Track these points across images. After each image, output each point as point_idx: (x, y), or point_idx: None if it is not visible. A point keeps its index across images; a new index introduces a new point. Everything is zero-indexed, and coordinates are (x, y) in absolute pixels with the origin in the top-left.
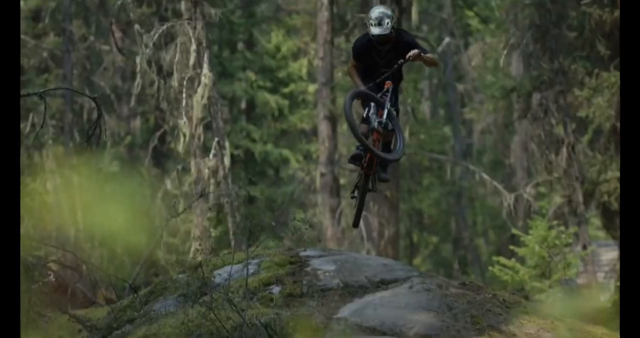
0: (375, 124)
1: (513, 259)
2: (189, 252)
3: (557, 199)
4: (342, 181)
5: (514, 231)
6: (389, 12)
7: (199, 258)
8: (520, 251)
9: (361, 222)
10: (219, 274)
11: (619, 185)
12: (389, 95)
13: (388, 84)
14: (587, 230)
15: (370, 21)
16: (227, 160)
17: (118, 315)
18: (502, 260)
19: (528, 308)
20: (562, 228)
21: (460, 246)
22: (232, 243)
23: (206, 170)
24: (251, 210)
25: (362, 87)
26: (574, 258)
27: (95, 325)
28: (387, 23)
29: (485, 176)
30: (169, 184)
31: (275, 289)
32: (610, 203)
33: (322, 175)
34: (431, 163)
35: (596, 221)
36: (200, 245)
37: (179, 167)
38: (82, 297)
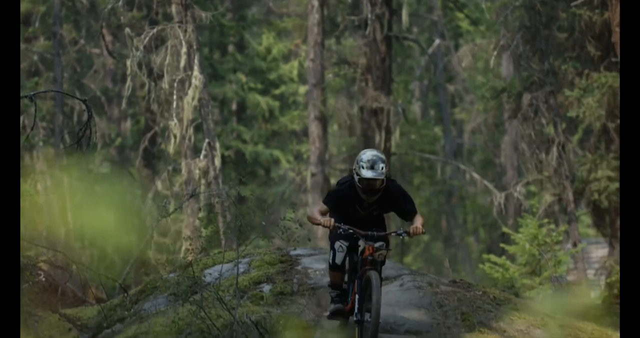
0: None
1: (503, 257)
2: (180, 251)
3: (548, 198)
4: (332, 181)
5: (505, 229)
6: (382, 156)
7: (190, 258)
8: (511, 249)
9: None
10: (210, 273)
11: (609, 183)
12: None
13: (370, 251)
14: (577, 228)
15: (362, 164)
16: (217, 161)
17: (108, 314)
18: (493, 257)
19: (518, 305)
20: (552, 226)
21: (451, 244)
22: (223, 242)
23: (197, 171)
24: (242, 210)
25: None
26: (564, 256)
27: (85, 324)
28: (382, 168)
29: (476, 175)
30: (159, 185)
31: (266, 287)
32: (601, 201)
33: (312, 175)
34: (422, 162)
35: (586, 219)
36: (190, 244)
37: (170, 167)
38: (72, 296)
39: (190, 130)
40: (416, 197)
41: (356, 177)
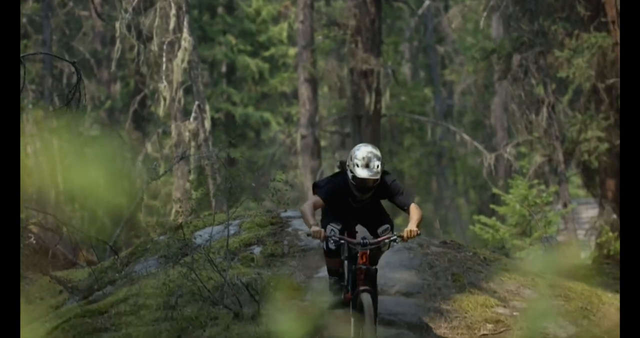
0: None
1: (494, 218)
2: (170, 214)
3: (538, 158)
4: (322, 143)
5: (495, 190)
6: (378, 153)
7: (180, 220)
8: (501, 210)
9: None
10: (200, 235)
11: (599, 144)
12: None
13: (364, 259)
14: (567, 188)
15: (355, 161)
16: (207, 123)
17: (99, 277)
18: (483, 218)
19: (508, 265)
20: (542, 187)
21: (441, 205)
22: (213, 204)
23: (187, 133)
24: (232, 172)
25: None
26: (554, 217)
27: (76, 286)
28: (377, 166)
29: (466, 136)
30: (149, 147)
31: (256, 249)
32: (590, 161)
33: (302, 137)
34: (412, 124)
35: (576, 180)
36: (180, 207)
37: (160, 130)
38: (62, 258)
39: (180, 93)
40: (406, 159)
41: (350, 174)
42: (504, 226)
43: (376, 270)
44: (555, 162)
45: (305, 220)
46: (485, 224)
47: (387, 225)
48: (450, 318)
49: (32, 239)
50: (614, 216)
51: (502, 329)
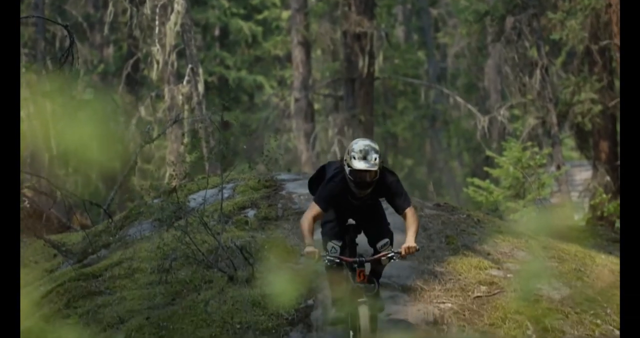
0: None
1: (487, 180)
2: (164, 177)
3: (531, 121)
4: (316, 106)
5: (488, 153)
6: (375, 146)
7: (174, 184)
8: (495, 172)
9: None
10: (194, 199)
11: (592, 106)
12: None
13: (362, 277)
14: (560, 150)
15: (353, 154)
16: (200, 87)
17: (93, 240)
18: (477, 181)
19: (502, 227)
20: (536, 149)
21: (435, 168)
22: (207, 168)
23: (180, 97)
24: (225, 136)
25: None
26: (547, 179)
27: (70, 250)
28: (375, 158)
29: (460, 99)
30: (142, 111)
31: (250, 213)
32: (584, 124)
33: (296, 100)
34: (405, 87)
35: (570, 142)
36: (174, 170)
37: (153, 94)
38: (56, 222)
39: (173, 56)
40: (400, 122)
41: (347, 169)
42: (498, 188)
43: (376, 285)
44: (549, 124)
45: (302, 237)
46: (479, 187)
47: (386, 240)
48: (444, 280)
49: (26, 203)
50: (608, 178)
51: (495, 291)
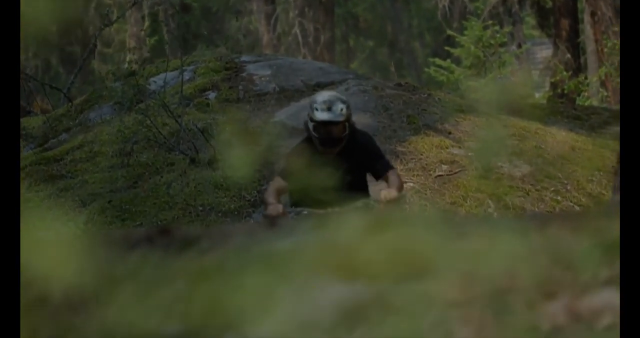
0: None
1: (448, 60)
2: (124, 61)
3: None
4: None
5: (449, 32)
6: (342, 97)
7: (134, 67)
8: (456, 52)
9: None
10: (155, 81)
11: None
12: None
13: None
14: (522, 29)
15: (315, 105)
16: None
17: (54, 124)
18: (438, 61)
19: (463, 107)
20: (497, 28)
21: (397, 49)
22: (167, 51)
23: None
24: (186, 19)
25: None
26: (509, 57)
27: (30, 134)
28: (341, 109)
29: None
30: None
31: (211, 95)
32: (545, 1)
33: None
34: None
35: (531, 20)
36: (134, 54)
37: None
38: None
39: None
40: (360, 2)
41: (310, 124)
42: (459, 68)
43: None
44: (510, 2)
45: (265, 204)
46: (440, 66)
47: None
48: (406, 160)
49: None
50: (568, 55)
51: (457, 170)
